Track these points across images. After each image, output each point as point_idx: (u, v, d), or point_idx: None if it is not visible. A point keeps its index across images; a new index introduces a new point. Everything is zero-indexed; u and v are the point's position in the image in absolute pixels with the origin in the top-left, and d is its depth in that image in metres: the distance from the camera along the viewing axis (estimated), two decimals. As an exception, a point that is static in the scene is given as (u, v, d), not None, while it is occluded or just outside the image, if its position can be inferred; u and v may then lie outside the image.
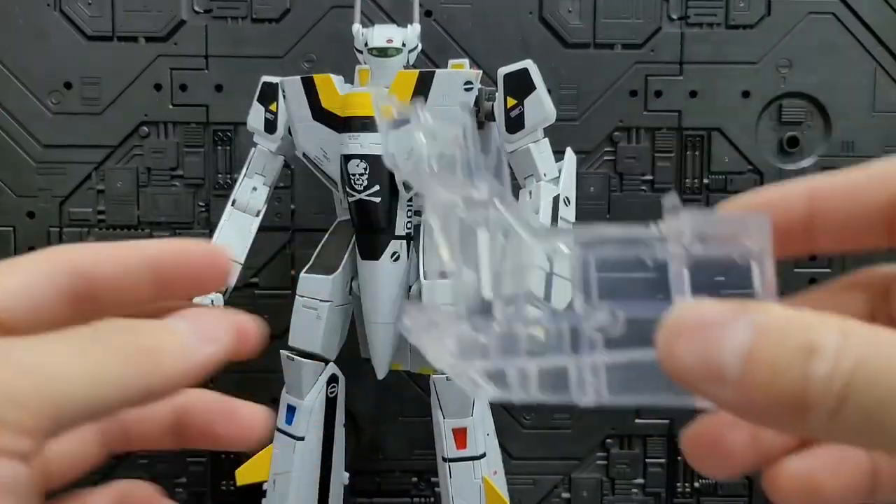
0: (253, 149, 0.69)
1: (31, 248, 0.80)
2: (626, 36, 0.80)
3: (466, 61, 0.64)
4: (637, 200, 0.81)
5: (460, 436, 0.62)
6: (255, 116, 0.69)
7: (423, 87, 0.59)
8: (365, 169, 0.60)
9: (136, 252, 0.26)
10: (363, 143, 0.59)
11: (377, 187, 0.60)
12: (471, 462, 0.63)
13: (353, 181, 0.60)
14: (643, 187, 0.81)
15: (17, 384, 0.21)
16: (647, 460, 0.84)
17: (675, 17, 0.80)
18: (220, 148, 0.81)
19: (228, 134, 0.81)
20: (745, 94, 0.80)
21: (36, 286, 0.25)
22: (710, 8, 0.80)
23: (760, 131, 0.81)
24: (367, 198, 0.60)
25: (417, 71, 0.60)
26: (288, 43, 0.80)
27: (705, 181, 0.81)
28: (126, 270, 0.26)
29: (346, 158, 0.60)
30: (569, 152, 0.64)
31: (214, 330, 0.27)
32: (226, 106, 0.80)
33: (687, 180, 0.81)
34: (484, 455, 0.63)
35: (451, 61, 0.64)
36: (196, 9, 0.80)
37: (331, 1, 0.79)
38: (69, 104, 0.80)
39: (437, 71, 0.60)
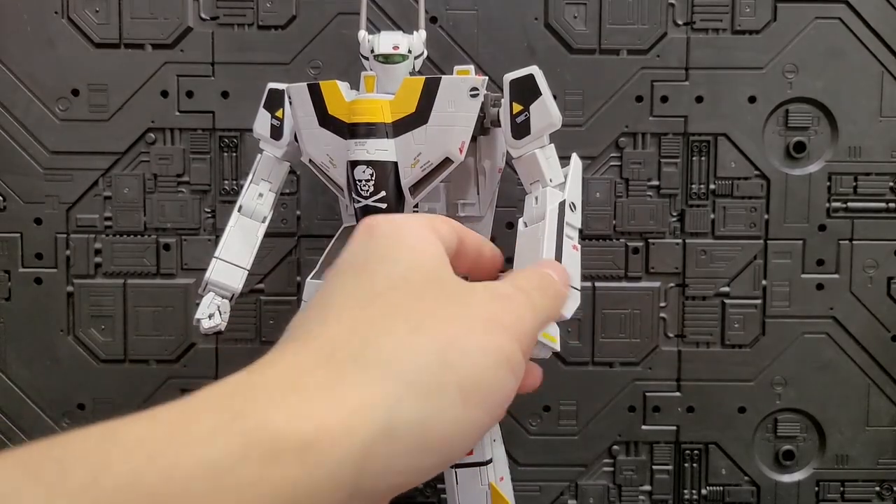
0: (259, 155, 0.69)
1: (39, 255, 0.81)
2: (631, 41, 0.80)
3: (472, 67, 0.64)
4: (643, 206, 0.81)
5: (466, 442, 0.62)
6: (262, 123, 0.69)
7: (428, 94, 0.59)
8: (371, 175, 0.60)
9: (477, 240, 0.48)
10: (369, 149, 0.59)
11: (383, 193, 0.60)
12: (477, 468, 0.63)
13: (359, 187, 0.60)
14: (649, 193, 0.81)
15: (529, 314, 0.41)
16: (654, 467, 0.83)
17: (680, 22, 0.80)
18: (226, 154, 0.81)
19: (234, 140, 0.81)
20: (752, 100, 0.80)
21: (451, 236, 0.44)
22: (716, 13, 0.80)
23: (767, 136, 0.81)
24: (373, 203, 0.60)
25: (423, 77, 0.60)
26: (294, 49, 0.80)
27: (711, 186, 0.81)
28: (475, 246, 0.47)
29: (352, 164, 0.60)
30: (574, 158, 0.64)
31: (566, 282, 0.50)
32: (232, 112, 0.80)
33: (693, 186, 0.81)
34: (490, 461, 0.63)
35: (456, 67, 0.64)
36: (202, 16, 0.80)
37: (336, 7, 0.80)
38: (76, 111, 0.81)
39: (443, 77, 0.60)
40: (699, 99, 0.80)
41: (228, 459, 0.29)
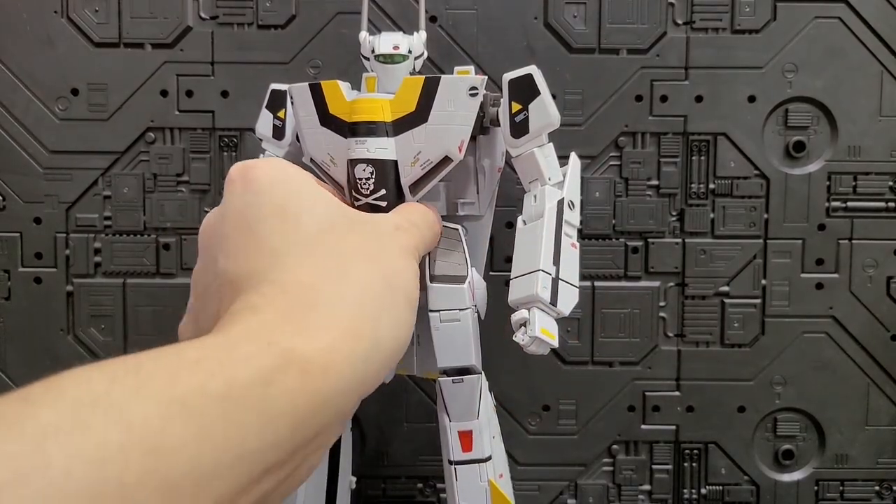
0: (261, 155, 0.69)
1: (38, 255, 0.81)
2: (631, 41, 0.80)
3: (472, 67, 0.64)
4: (642, 205, 0.81)
5: (466, 438, 0.62)
6: (264, 123, 0.69)
7: (428, 93, 0.59)
8: (371, 173, 0.60)
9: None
10: (370, 147, 0.59)
11: (383, 191, 0.60)
12: (476, 465, 0.63)
13: (359, 185, 0.60)
14: (649, 192, 0.81)
15: (419, 239, 0.55)
16: (654, 466, 0.84)
17: (680, 21, 0.80)
18: (225, 154, 0.81)
19: (234, 140, 0.81)
20: (751, 99, 0.80)
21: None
22: (716, 13, 0.80)
23: (766, 136, 0.81)
24: (374, 202, 0.61)
25: (423, 77, 0.60)
26: (293, 49, 0.80)
27: (711, 186, 0.81)
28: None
29: (353, 163, 0.60)
30: (573, 157, 0.64)
31: (437, 213, 0.60)
32: (232, 112, 0.81)
33: (693, 185, 0.81)
34: (490, 458, 0.63)
35: (457, 68, 0.65)
36: (202, 15, 0.80)
37: (336, 7, 0.80)
38: (76, 110, 0.81)
39: (443, 77, 0.60)
40: (699, 98, 0.80)
41: (274, 373, 0.37)
